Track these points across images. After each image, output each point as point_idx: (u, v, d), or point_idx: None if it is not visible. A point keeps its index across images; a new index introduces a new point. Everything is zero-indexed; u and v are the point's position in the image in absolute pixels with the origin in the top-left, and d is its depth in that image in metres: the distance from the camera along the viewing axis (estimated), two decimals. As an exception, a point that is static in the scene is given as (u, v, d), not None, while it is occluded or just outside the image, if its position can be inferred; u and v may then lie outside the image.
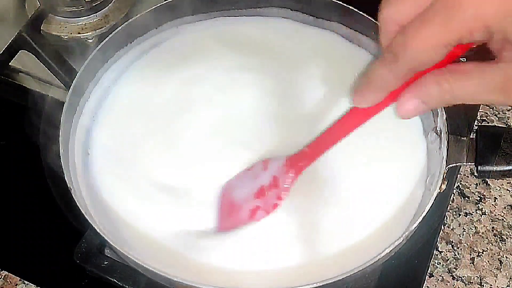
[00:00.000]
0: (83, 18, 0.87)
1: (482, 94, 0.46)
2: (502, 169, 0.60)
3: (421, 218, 0.58)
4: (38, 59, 0.78)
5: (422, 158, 0.67)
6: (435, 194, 0.59)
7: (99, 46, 0.70)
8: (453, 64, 0.47)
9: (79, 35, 0.86)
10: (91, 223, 0.58)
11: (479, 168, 0.61)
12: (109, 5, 0.88)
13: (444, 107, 0.63)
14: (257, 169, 0.66)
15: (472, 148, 0.62)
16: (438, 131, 0.64)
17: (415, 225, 0.58)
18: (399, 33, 0.46)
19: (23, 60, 0.81)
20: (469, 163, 0.61)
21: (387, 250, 0.57)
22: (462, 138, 0.63)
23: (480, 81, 0.46)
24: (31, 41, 0.77)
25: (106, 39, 0.70)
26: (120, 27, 0.71)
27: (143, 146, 0.68)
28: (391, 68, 0.47)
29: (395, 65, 0.46)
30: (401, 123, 0.69)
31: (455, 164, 0.62)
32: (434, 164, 0.64)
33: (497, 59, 0.46)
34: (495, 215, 0.76)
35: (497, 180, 0.78)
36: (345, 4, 0.73)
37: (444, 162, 0.61)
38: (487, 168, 0.60)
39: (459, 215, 0.76)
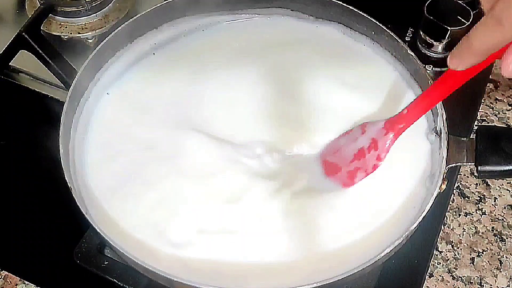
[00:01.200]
0: (83, 18, 0.87)
1: None
2: (502, 169, 0.60)
3: (421, 218, 0.58)
4: (38, 59, 0.78)
5: (423, 158, 0.67)
6: (435, 194, 0.59)
7: (99, 46, 0.70)
8: None
9: (79, 35, 0.86)
10: (91, 223, 0.58)
11: (479, 168, 0.61)
12: (109, 5, 0.88)
13: (444, 107, 0.63)
14: (356, 133, 0.67)
15: (472, 148, 0.62)
16: (438, 131, 0.64)
17: (415, 225, 0.58)
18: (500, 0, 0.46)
19: (23, 60, 0.81)
20: (469, 163, 0.61)
21: (387, 250, 0.57)
22: (462, 138, 0.63)
23: None
24: (31, 41, 0.77)
25: (106, 39, 0.70)
26: (120, 27, 0.71)
27: (140, 147, 0.68)
28: (494, 33, 0.47)
29: (499, 30, 0.46)
30: None
31: (455, 164, 0.62)
32: (434, 164, 0.64)
33: None
34: (495, 215, 0.76)
35: (497, 180, 0.78)
36: (345, 4, 0.73)
37: (444, 162, 0.61)
38: (487, 168, 0.60)
39: (459, 215, 0.76)
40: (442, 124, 0.63)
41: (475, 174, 0.66)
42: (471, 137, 0.63)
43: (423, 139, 0.68)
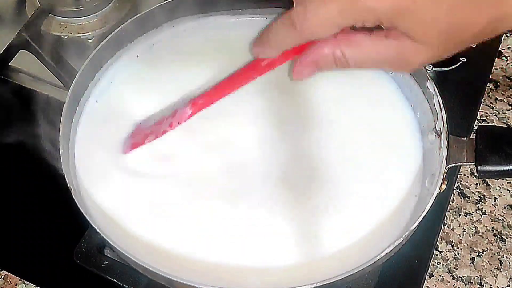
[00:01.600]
0: (83, 18, 0.87)
1: (372, 64, 0.52)
2: (502, 169, 0.60)
3: (421, 218, 0.58)
4: (38, 59, 0.78)
5: (420, 158, 0.67)
6: (435, 194, 0.59)
7: (99, 46, 0.70)
8: (347, 34, 0.51)
9: (79, 35, 0.86)
10: (91, 223, 0.58)
11: (479, 168, 0.61)
12: (109, 5, 0.88)
13: (444, 107, 0.63)
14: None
15: (472, 148, 0.62)
16: (438, 131, 0.64)
17: (415, 225, 0.58)
18: (299, 3, 0.49)
19: (23, 60, 0.81)
20: (469, 163, 0.61)
21: (387, 250, 0.56)
22: (462, 138, 0.63)
23: (371, 54, 0.51)
24: (31, 41, 0.77)
25: (106, 39, 0.70)
26: (120, 27, 0.71)
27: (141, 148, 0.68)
28: (288, 33, 0.51)
29: (292, 32, 0.50)
30: (398, 123, 0.69)
31: (455, 164, 0.62)
32: (434, 164, 0.64)
33: (386, 31, 0.50)
34: (495, 215, 0.76)
35: (497, 180, 0.78)
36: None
37: (444, 162, 0.61)
38: (487, 168, 0.60)
39: (459, 215, 0.76)
40: (442, 124, 0.63)
41: (475, 174, 0.66)
42: (471, 137, 0.63)
43: (419, 138, 0.68)
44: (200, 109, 0.65)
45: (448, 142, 0.62)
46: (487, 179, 0.78)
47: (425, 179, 0.65)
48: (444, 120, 0.63)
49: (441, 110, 0.64)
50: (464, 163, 0.62)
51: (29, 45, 0.77)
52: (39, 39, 0.78)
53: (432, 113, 0.66)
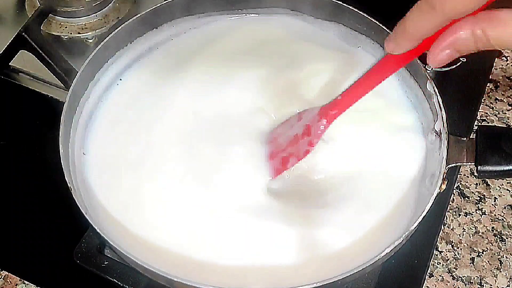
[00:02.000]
0: (83, 18, 0.87)
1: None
2: (502, 169, 0.60)
3: (421, 218, 0.58)
4: (38, 59, 0.78)
5: (421, 158, 0.67)
6: (435, 194, 0.59)
7: (99, 46, 0.70)
8: (487, 11, 0.47)
9: (79, 35, 0.86)
10: (91, 223, 0.58)
11: (479, 168, 0.60)
12: (109, 5, 0.88)
13: (444, 107, 0.63)
14: (293, 120, 0.68)
15: (472, 148, 0.62)
16: (438, 131, 0.64)
17: (415, 225, 0.58)
18: None
19: (23, 60, 0.81)
20: (469, 163, 0.61)
21: (387, 250, 0.57)
22: (462, 138, 0.63)
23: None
24: (31, 41, 0.77)
25: (106, 39, 0.70)
26: (120, 27, 0.71)
27: (140, 147, 0.68)
28: (427, 17, 0.48)
29: (432, 15, 0.47)
30: (399, 123, 0.69)
31: (455, 164, 0.62)
32: (434, 164, 0.64)
33: None
34: (495, 215, 0.76)
35: (497, 180, 0.78)
36: (345, 4, 0.73)
37: (444, 162, 0.61)
38: (487, 168, 0.60)
39: (459, 215, 0.76)
40: (442, 124, 0.63)
41: (475, 174, 0.66)
42: (471, 137, 0.63)
43: (421, 138, 0.68)
44: (334, 118, 0.64)
45: (448, 142, 0.62)
46: (487, 179, 0.78)
47: (425, 179, 0.65)
48: (444, 120, 0.63)
49: (441, 110, 0.64)
50: (464, 163, 0.62)
51: (29, 45, 0.77)
52: (39, 39, 0.78)
53: (432, 113, 0.66)
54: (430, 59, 0.51)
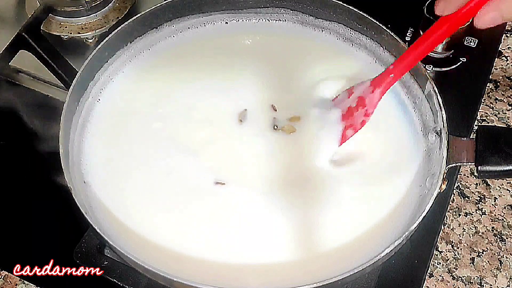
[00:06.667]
0: (83, 18, 0.87)
1: None
2: (502, 169, 0.60)
3: (421, 218, 0.58)
4: (38, 59, 0.78)
5: (420, 158, 0.67)
6: (435, 194, 0.59)
7: (99, 46, 0.70)
8: None
9: (79, 35, 0.86)
10: (91, 223, 0.58)
11: (479, 168, 0.60)
12: (109, 5, 0.88)
13: (444, 107, 0.63)
14: (343, 96, 0.68)
15: (472, 148, 0.62)
16: (438, 131, 0.64)
17: (415, 225, 0.58)
18: None
19: (23, 60, 0.81)
20: (469, 163, 0.61)
21: (387, 250, 0.56)
22: (462, 139, 0.63)
23: None
24: (31, 41, 0.77)
25: (106, 39, 0.70)
26: (120, 27, 0.71)
27: (138, 145, 0.68)
28: None
29: None
30: (399, 123, 0.69)
31: (455, 164, 0.62)
32: (434, 164, 0.64)
33: None
34: (495, 215, 0.76)
35: (497, 180, 0.78)
36: (345, 4, 0.73)
37: (444, 162, 0.61)
38: (487, 168, 0.60)
39: (459, 215, 0.76)
40: (442, 125, 0.63)
41: (475, 174, 0.66)
42: (471, 137, 0.63)
43: (421, 138, 0.68)
44: (390, 85, 0.64)
45: (448, 142, 0.62)
46: (487, 179, 0.78)
47: (425, 179, 0.65)
48: (444, 120, 0.63)
49: (441, 110, 0.64)
50: (464, 163, 0.62)
51: (29, 45, 0.77)
52: (39, 39, 0.78)
53: (432, 113, 0.66)
54: (476, 19, 0.52)
